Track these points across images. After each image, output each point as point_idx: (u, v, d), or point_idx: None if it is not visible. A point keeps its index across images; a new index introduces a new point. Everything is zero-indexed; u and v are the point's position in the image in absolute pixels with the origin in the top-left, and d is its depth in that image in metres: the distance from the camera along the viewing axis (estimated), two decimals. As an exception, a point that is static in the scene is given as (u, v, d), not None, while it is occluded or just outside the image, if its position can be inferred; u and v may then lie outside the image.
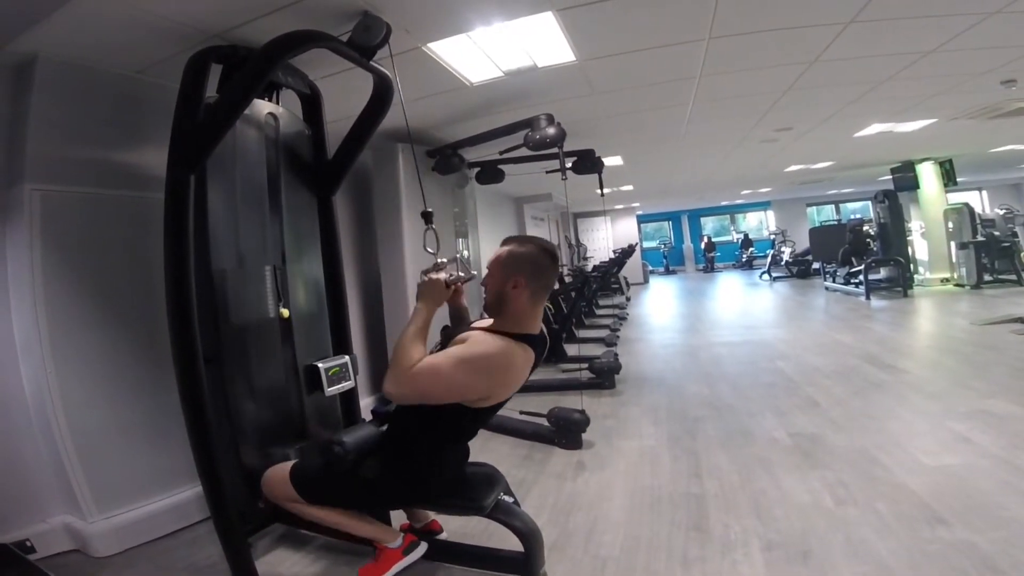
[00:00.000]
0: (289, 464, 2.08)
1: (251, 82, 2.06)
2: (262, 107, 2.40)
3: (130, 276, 2.56)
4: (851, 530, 2.13)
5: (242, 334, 2.26)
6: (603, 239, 15.89)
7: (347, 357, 2.57)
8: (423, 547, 2.10)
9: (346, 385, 2.53)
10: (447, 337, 1.88)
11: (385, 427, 2.04)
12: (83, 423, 2.34)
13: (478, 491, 1.93)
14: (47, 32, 2.13)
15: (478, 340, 1.69)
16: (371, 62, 2.40)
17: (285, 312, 2.36)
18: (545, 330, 1.90)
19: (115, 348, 2.49)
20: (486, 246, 5.30)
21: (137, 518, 2.44)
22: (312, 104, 2.68)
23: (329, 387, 2.43)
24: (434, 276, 1.85)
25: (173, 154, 2.04)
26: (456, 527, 2.35)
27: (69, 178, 2.39)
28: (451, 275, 1.89)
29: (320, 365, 2.42)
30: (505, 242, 1.82)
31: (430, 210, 2.14)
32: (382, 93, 2.54)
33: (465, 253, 4.99)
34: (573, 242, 14.71)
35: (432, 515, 2.31)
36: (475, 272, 1.94)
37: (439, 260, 1.92)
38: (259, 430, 2.28)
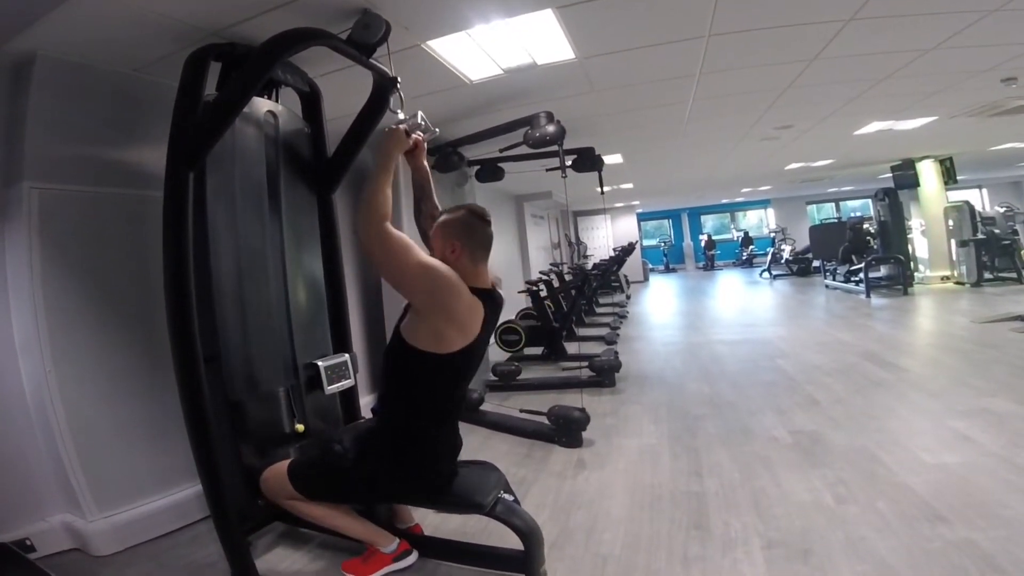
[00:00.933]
0: (287, 462, 2.07)
1: (250, 80, 2.06)
2: (261, 105, 2.40)
3: (129, 274, 2.55)
4: (851, 528, 2.13)
5: (243, 332, 2.25)
6: (603, 237, 15.91)
7: (347, 355, 2.56)
8: (414, 556, 2.12)
9: (346, 383, 2.53)
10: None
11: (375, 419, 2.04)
12: (83, 422, 2.34)
13: (478, 489, 1.92)
14: (45, 31, 2.13)
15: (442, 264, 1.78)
16: (371, 60, 2.39)
17: (300, 427, 2.33)
18: (500, 291, 1.95)
19: (115, 346, 2.49)
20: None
21: (137, 517, 2.44)
22: (312, 102, 2.67)
23: (329, 385, 2.43)
24: (394, 126, 1.92)
25: (172, 152, 2.04)
26: (456, 525, 2.35)
27: (68, 176, 2.38)
28: (411, 124, 1.97)
29: (320, 363, 2.42)
30: (440, 214, 1.94)
31: (395, 76, 2.27)
32: (381, 91, 2.54)
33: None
34: (573, 240, 14.71)
35: (416, 518, 2.31)
36: (436, 129, 2.06)
37: (401, 116, 2.02)
38: (259, 429, 2.28)
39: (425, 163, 2.14)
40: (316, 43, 2.17)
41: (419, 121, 2.01)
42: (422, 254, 1.75)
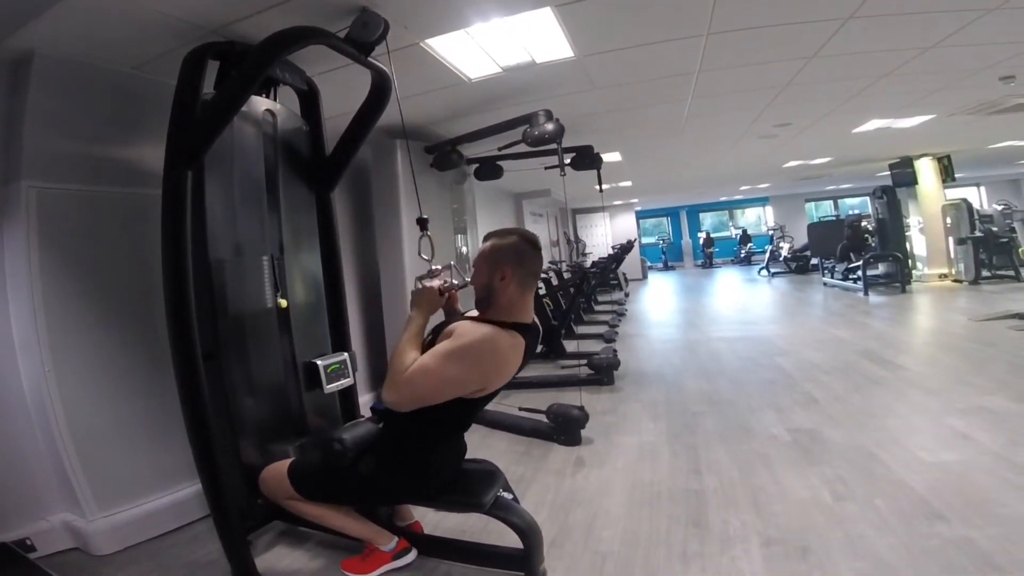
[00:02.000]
0: (287, 462, 2.08)
1: (248, 78, 2.06)
2: (260, 103, 2.40)
3: (128, 273, 2.54)
4: (850, 526, 2.13)
5: (240, 328, 2.25)
6: (602, 235, 15.87)
7: (346, 354, 2.56)
8: (413, 554, 2.12)
9: (345, 382, 2.53)
10: (436, 333, 1.86)
11: (382, 424, 2.04)
12: (82, 421, 2.34)
13: (477, 488, 1.93)
14: (43, 28, 2.12)
15: (463, 331, 1.70)
16: (369, 58, 2.39)
17: (283, 302, 2.35)
18: (538, 321, 1.90)
19: (114, 345, 2.48)
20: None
21: (137, 516, 2.44)
22: (310, 100, 2.67)
23: (328, 384, 2.43)
24: (428, 284, 1.84)
25: (170, 150, 2.03)
26: (455, 524, 2.35)
27: (66, 175, 2.38)
28: (445, 282, 1.89)
29: (319, 362, 2.42)
30: (487, 237, 1.85)
31: (425, 217, 2.15)
32: (380, 89, 2.54)
33: (464, 249, 4.98)
34: (572, 238, 14.70)
35: (416, 516, 2.31)
36: (469, 280, 1.90)
37: (433, 267, 1.91)
38: (258, 427, 2.28)
39: (459, 308, 2.03)
40: (314, 42, 2.16)
41: (451, 277, 1.91)
42: (437, 352, 1.67)
